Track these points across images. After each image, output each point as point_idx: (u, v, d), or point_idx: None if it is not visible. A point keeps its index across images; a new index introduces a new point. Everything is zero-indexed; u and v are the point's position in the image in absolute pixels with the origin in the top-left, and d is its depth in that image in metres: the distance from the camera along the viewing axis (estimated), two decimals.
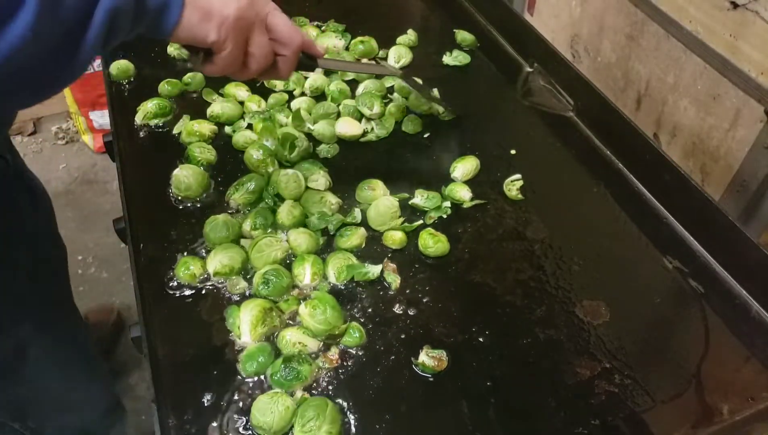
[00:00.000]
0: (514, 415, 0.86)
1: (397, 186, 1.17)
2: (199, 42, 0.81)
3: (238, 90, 1.36)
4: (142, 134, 1.27)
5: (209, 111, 1.29)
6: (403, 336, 0.94)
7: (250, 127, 1.28)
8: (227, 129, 1.28)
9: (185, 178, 1.12)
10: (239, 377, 0.89)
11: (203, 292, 0.99)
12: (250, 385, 0.88)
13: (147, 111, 1.28)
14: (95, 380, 1.37)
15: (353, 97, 1.35)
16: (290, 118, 1.27)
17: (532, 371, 0.91)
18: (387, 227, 1.09)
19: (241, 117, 1.31)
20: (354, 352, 0.92)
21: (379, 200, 1.11)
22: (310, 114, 1.29)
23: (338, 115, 1.30)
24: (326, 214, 1.09)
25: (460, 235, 1.10)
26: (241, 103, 1.34)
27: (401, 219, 1.11)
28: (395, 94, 1.37)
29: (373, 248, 1.07)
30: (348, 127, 1.26)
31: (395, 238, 1.06)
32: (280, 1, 1.62)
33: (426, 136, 1.29)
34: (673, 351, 0.95)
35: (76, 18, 0.65)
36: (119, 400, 1.49)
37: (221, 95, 1.36)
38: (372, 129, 1.28)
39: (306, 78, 1.37)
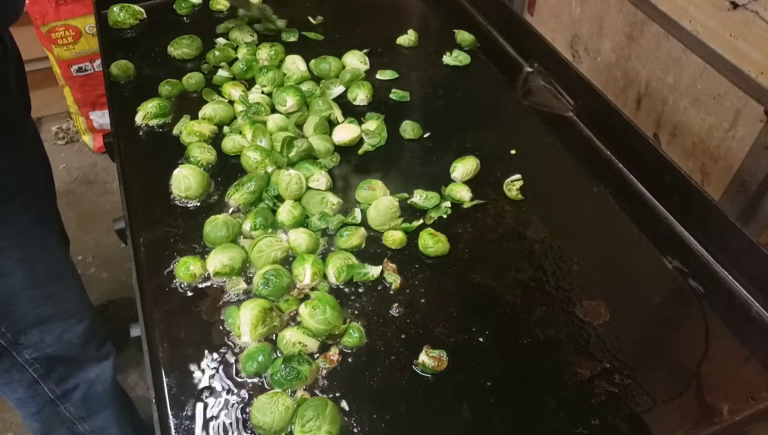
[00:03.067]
0: (514, 415, 0.86)
1: (397, 186, 1.17)
2: None
3: (234, 89, 1.35)
4: (142, 134, 1.27)
5: (201, 113, 1.29)
6: (403, 336, 0.94)
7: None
8: (226, 129, 1.28)
9: (185, 178, 1.12)
10: (239, 377, 0.89)
11: (203, 292, 0.99)
12: (250, 385, 0.88)
13: (147, 111, 1.28)
14: (71, 296, 1.32)
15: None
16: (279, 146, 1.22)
17: (532, 371, 0.91)
18: (387, 227, 1.09)
19: (234, 118, 1.30)
20: (354, 352, 0.92)
21: (379, 200, 1.11)
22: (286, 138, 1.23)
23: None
24: (327, 215, 1.09)
25: (460, 235, 1.10)
26: (231, 102, 1.33)
27: (401, 219, 1.11)
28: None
29: (373, 248, 1.07)
30: (345, 134, 1.26)
31: (395, 238, 1.06)
32: (280, 1, 1.62)
33: (426, 136, 1.29)
34: (673, 351, 0.95)
35: None
36: (106, 334, 1.43)
37: (221, 95, 1.36)
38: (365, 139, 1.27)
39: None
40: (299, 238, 1.04)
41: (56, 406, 1.38)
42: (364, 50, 1.49)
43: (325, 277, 1.01)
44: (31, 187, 1.20)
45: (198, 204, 1.13)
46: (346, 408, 0.86)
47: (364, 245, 1.07)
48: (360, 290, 1.00)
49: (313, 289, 0.99)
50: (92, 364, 1.40)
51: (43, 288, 1.23)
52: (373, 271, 1.01)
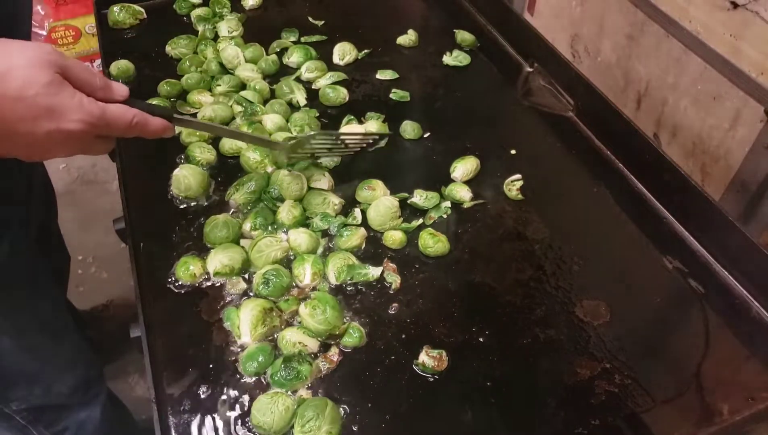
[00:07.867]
0: (514, 415, 0.86)
1: (397, 186, 1.17)
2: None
3: (201, 96, 1.33)
4: None
5: (200, 115, 1.28)
6: (403, 336, 0.94)
7: None
8: None
9: (185, 178, 1.12)
10: (239, 377, 0.89)
11: (203, 292, 0.99)
12: (250, 385, 0.88)
13: None
14: (61, 348, 1.29)
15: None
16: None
17: (532, 371, 0.91)
18: (387, 227, 1.09)
19: (233, 118, 1.30)
20: (354, 352, 0.92)
21: (379, 200, 1.11)
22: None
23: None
24: (329, 216, 1.09)
25: (460, 235, 1.10)
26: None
27: (401, 219, 1.11)
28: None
29: (373, 248, 1.07)
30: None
31: (395, 238, 1.06)
32: (281, 1, 1.62)
33: (426, 136, 1.29)
34: (673, 351, 0.95)
35: None
36: (97, 376, 1.40)
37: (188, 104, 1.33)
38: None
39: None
40: (299, 238, 1.04)
41: None
42: (365, 50, 1.49)
43: (325, 277, 1.01)
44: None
45: (198, 204, 1.13)
46: (346, 408, 0.86)
47: (364, 245, 1.07)
48: (360, 290, 1.00)
49: (313, 289, 0.99)
50: (82, 406, 1.38)
51: (31, 344, 1.21)
52: (373, 271, 1.01)
